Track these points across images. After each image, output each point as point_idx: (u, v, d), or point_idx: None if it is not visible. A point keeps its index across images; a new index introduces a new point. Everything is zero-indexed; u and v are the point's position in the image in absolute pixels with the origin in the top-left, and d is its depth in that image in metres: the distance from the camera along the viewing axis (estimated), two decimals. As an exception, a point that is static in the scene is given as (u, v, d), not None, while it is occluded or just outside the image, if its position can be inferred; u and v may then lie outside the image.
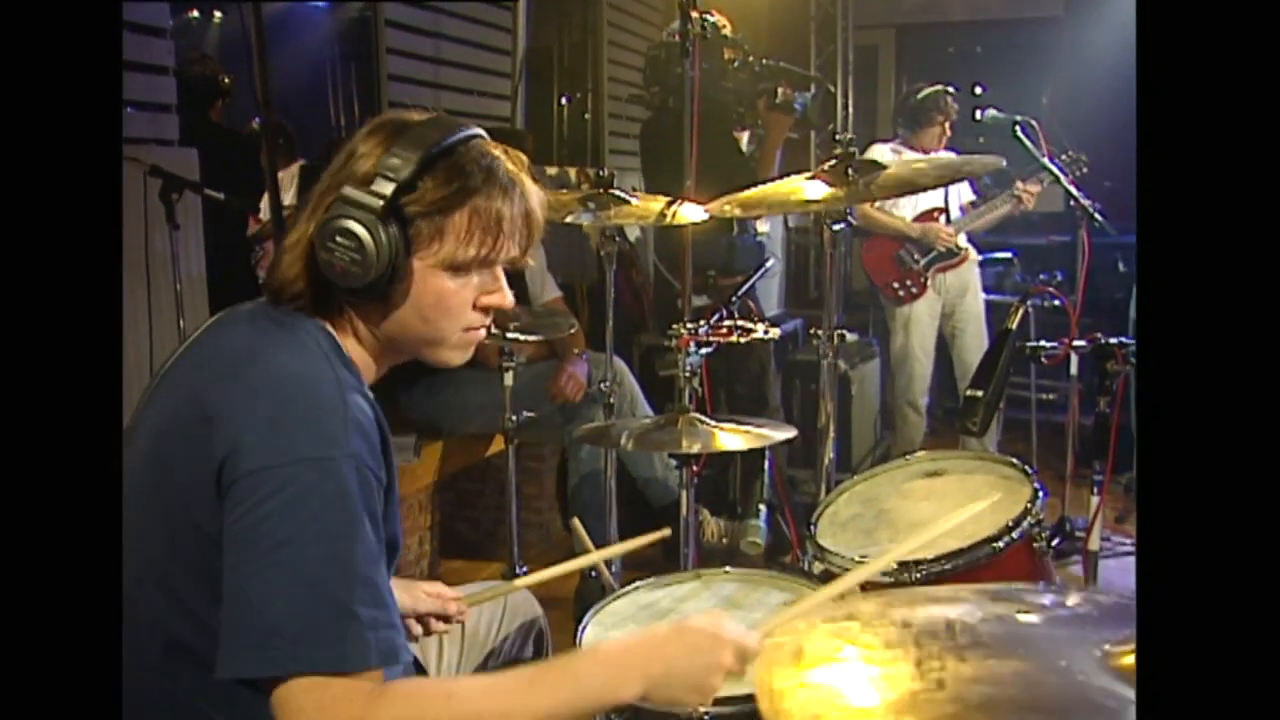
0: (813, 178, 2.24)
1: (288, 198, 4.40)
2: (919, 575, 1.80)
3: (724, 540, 3.55)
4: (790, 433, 2.20)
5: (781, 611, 1.29)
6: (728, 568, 2.01)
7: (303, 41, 5.14)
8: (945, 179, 3.63)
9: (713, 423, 2.22)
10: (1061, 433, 3.93)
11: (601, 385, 2.85)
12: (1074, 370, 3.50)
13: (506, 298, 1.31)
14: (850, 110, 6.36)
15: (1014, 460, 2.09)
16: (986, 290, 4.70)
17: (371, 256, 1.18)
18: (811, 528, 2.06)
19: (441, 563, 3.56)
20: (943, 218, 4.34)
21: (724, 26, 3.83)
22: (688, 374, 2.33)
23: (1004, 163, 2.77)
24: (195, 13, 5.41)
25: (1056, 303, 3.75)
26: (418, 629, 1.62)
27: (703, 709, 1.46)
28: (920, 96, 4.29)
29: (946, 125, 4.28)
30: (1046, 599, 1.08)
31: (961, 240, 4.34)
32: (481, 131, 1.29)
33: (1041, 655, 0.92)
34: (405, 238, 1.21)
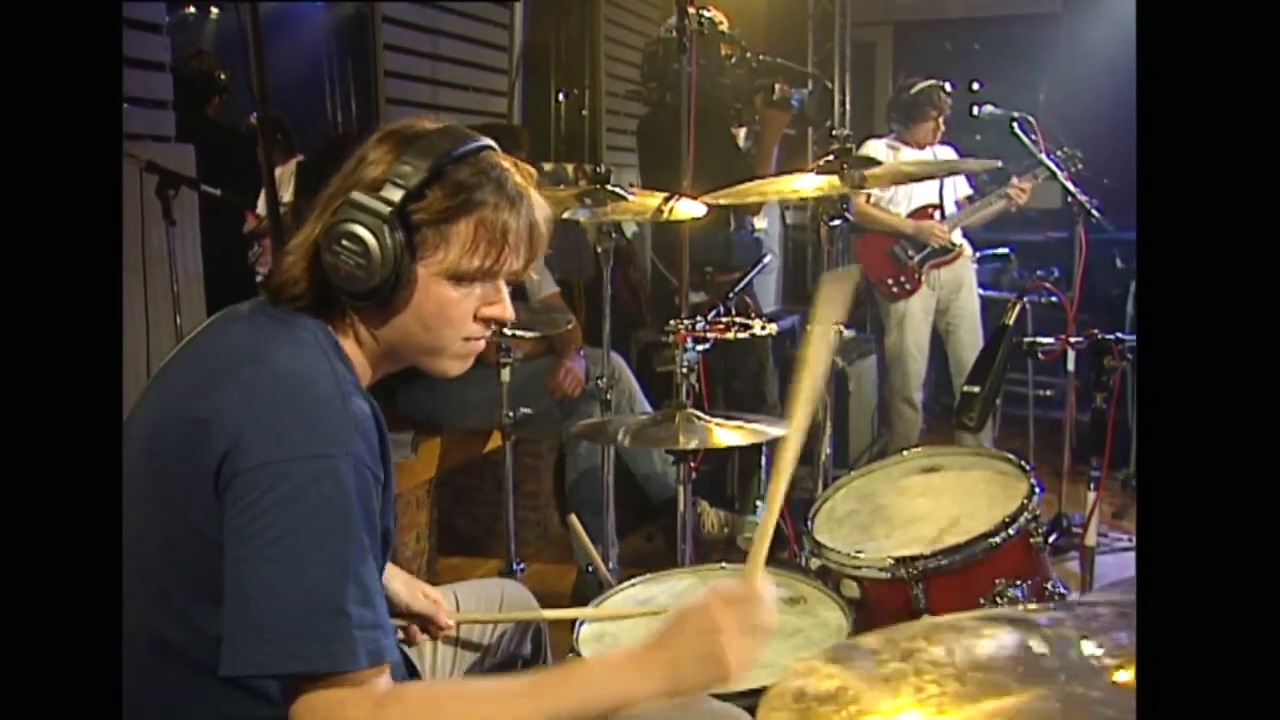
0: (808, 172, 2.25)
1: (285, 194, 4.40)
2: (916, 571, 1.81)
3: (725, 530, 3.55)
4: (787, 428, 2.19)
5: (751, 556, 1.25)
6: (724, 563, 2.02)
7: (299, 37, 5.12)
8: (940, 172, 3.64)
9: (710, 419, 2.22)
10: (1058, 429, 3.94)
11: (599, 381, 2.85)
12: (1071, 366, 3.51)
13: (507, 310, 1.32)
14: (848, 107, 6.36)
15: (1010, 456, 2.09)
16: (984, 286, 4.70)
17: (376, 262, 1.18)
18: (808, 523, 2.07)
19: (439, 559, 3.56)
20: (937, 214, 4.34)
21: (721, 22, 3.83)
22: (685, 370, 2.33)
23: (999, 164, 2.78)
24: (191, 9, 5.39)
25: (1054, 299, 3.75)
26: (400, 633, 1.62)
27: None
28: (914, 91, 4.29)
29: (940, 120, 4.28)
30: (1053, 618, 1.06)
31: (956, 236, 4.34)
32: (492, 143, 1.30)
33: (1040, 678, 0.91)
34: (410, 245, 1.21)
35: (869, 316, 5.11)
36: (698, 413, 2.24)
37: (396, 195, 1.19)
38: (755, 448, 3.22)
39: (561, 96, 5.67)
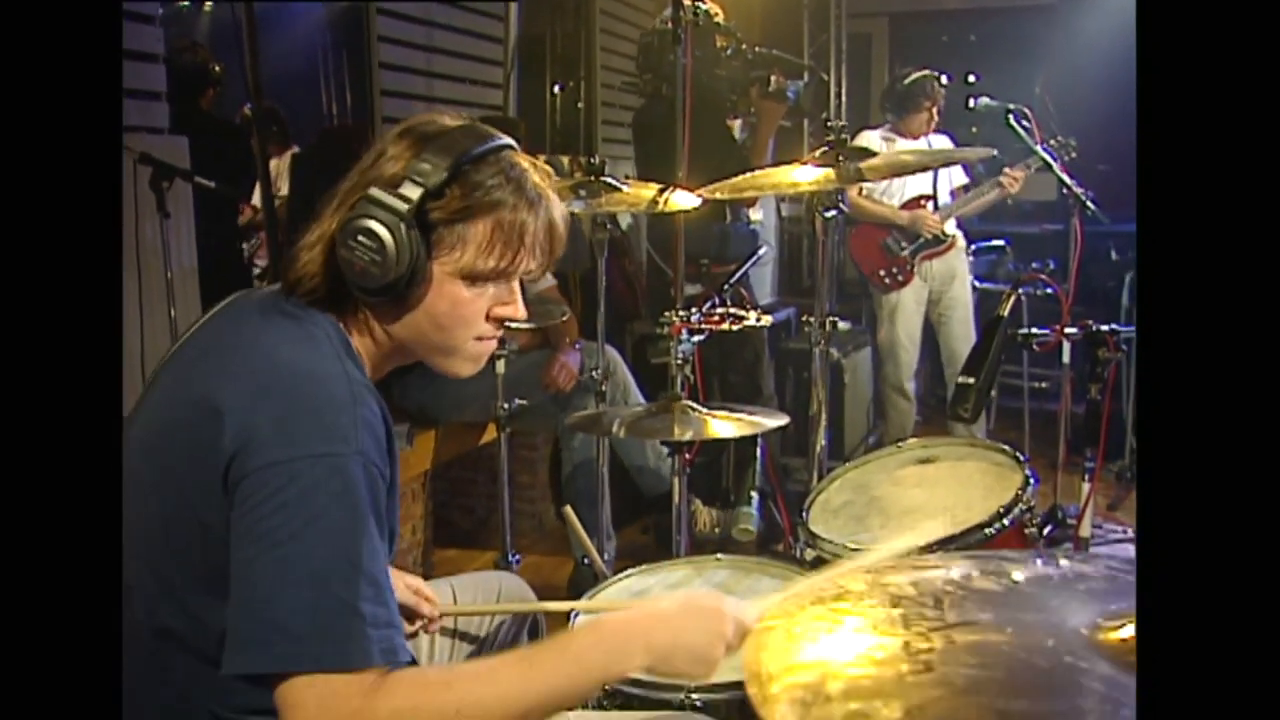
0: (804, 164, 2.24)
1: (281, 187, 4.40)
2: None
3: (716, 530, 3.56)
4: (782, 420, 2.20)
5: (776, 594, 1.28)
6: (719, 555, 2.02)
7: (294, 29, 5.11)
8: (934, 163, 3.64)
9: (705, 410, 2.22)
10: (1054, 421, 3.94)
11: (594, 373, 2.85)
12: (1066, 358, 3.50)
13: (520, 310, 1.32)
14: (843, 98, 6.34)
15: (1005, 447, 2.09)
16: (979, 279, 4.71)
17: (392, 258, 1.18)
18: (804, 515, 2.07)
19: (435, 551, 3.56)
20: (930, 205, 4.34)
21: (717, 14, 3.82)
22: (680, 362, 2.32)
23: (994, 153, 2.78)
24: (185, 1, 5.38)
25: (1049, 291, 3.76)
26: None
27: (695, 691, 1.48)
28: (907, 82, 4.28)
29: (934, 110, 4.28)
30: (1035, 569, 1.08)
31: (949, 227, 4.34)
32: (512, 142, 1.29)
33: (1029, 634, 0.93)
34: (427, 243, 1.21)
35: (864, 309, 5.12)
36: (693, 404, 2.24)
37: (415, 193, 1.19)
38: (750, 439, 3.22)
39: (557, 89, 5.66)
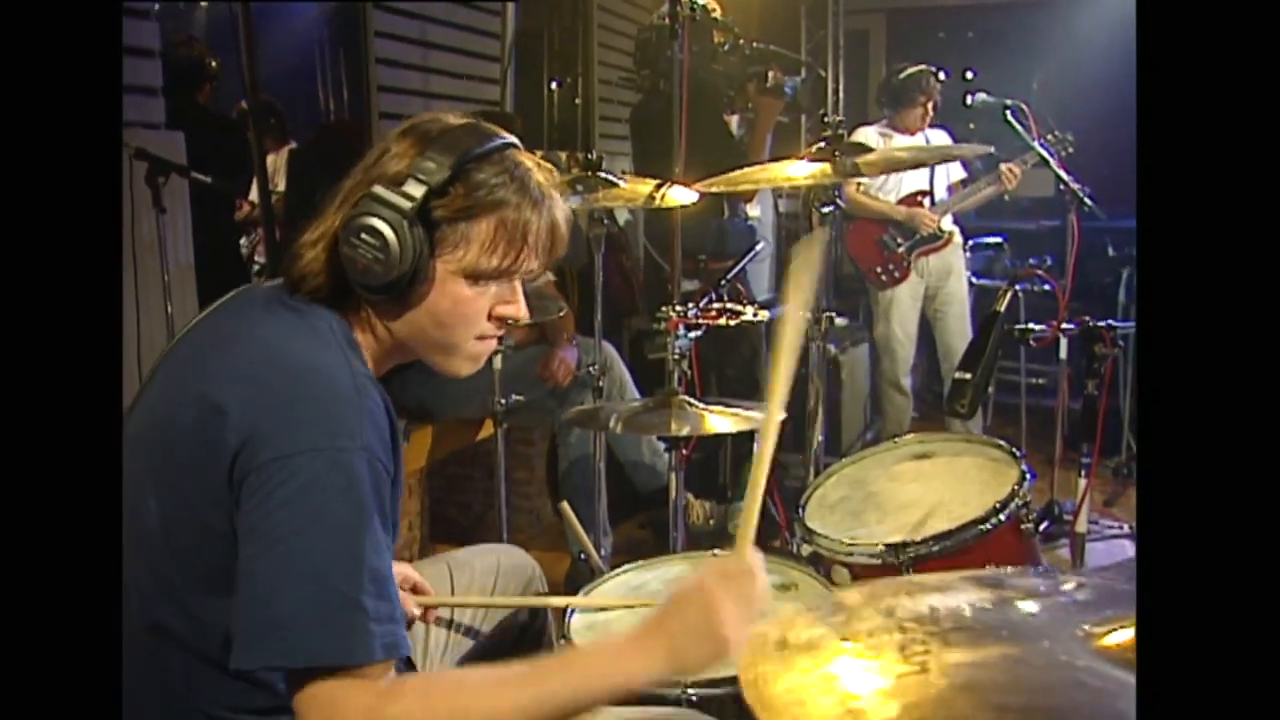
0: (800, 159, 2.25)
1: (278, 183, 4.39)
2: (907, 557, 1.81)
3: (710, 522, 3.56)
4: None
5: (742, 521, 1.25)
6: (716, 550, 2.02)
7: (290, 25, 5.10)
8: (931, 159, 3.64)
9: (702, 405, 2.22)
10: (1051, 417, 3.95)
11: (590, 369, 2.85)
12: (1063, 354, 3.51)
13: (522, 309, 1.31)
14: (841, 94, 6.35)
15: (1001, 443, 2.09)
16: (976, 275, 4.71)
17: (394, 256, 1.18)
18: (800, 510, 2.07)
19: (432, 547, 3.56)
20: (926, 201, 4.34)
21: (714, 9, 3.83)
22: (676, 357, 2.32)
23: (991, 149, 2.78)
24: (182, -5, 5.37)
25: (1046, 287, 3.76)
26: None
27: (691, 687, 1.47)
28: (903, 76, 4.28)
29: (929, 105, 4.27)
30: (1031, 582, 1.09)
31: (946, 223, 4.34)
32: (516, 140, 1.29)
33: (1025, 638, 0.93)
34: (430, 241, 1.21)
35: (861, 305, 5.11)
36: (690, 400, 2.24)
37: (418, 191, 1.19)
38: (747, 435, 3.22)
39: (554, 84, 5.65)
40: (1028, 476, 1.91)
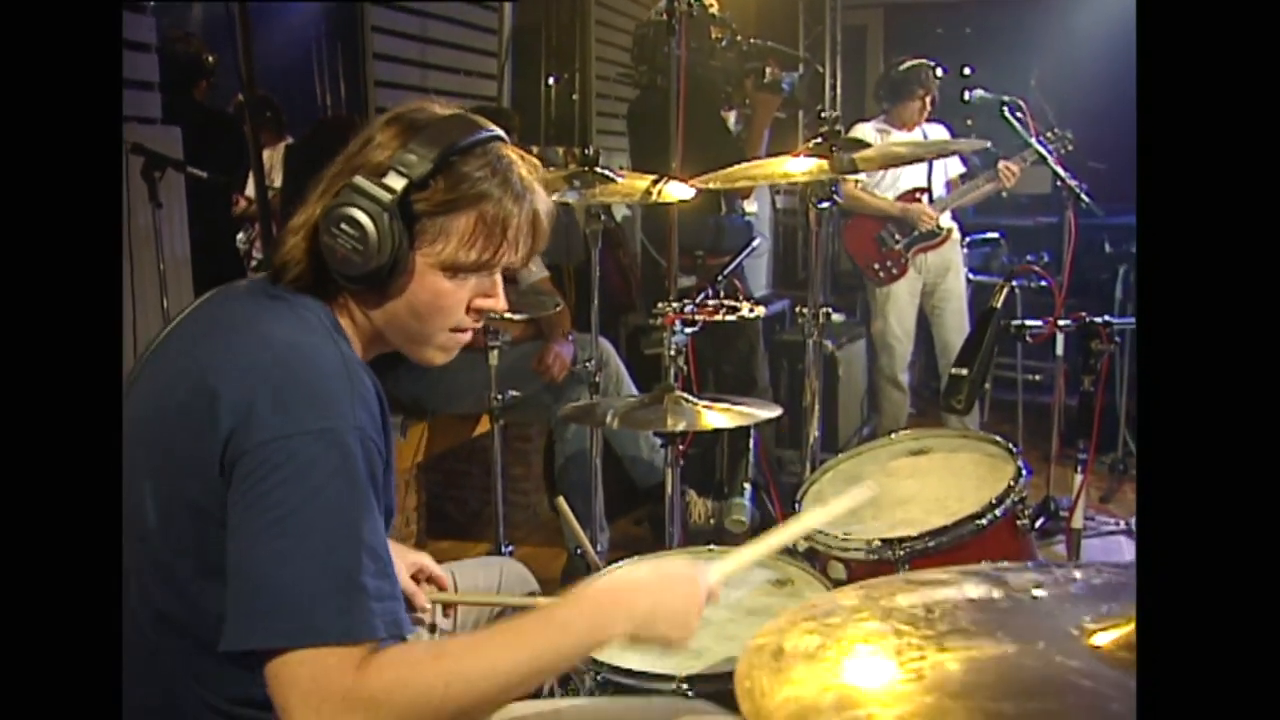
0: (797, 155, 2.24)
1: (275, 178, 4.38)
2: (903, 552, 1.81)
3: (710, 521, 3.56)
4: (775, 411, 2.20)
5: (732, 557, 1.36)
6: (712, 546, 2.02)
7: (288, 20, 5.09)
8: (928, 154, 3.64)
9: (698, 401, 2.22)
10: (1047, 413, 3.95)
11: (587, 364, 2.85)
12: (1060, 350, 3.51)
13: (501, 302, 1.32)
14: (838, 90, 6.35)
15: (998, 439, 2.10)
16: (973, 271, 4.71)
17: (373, 247, 1.18)
18: (796, 506, 2.07)
19: (429, 543, 3.57)
20: (925, 197, 4.33)
21: (711, 5, 3.82)
22: (673, 353, 2.32)
23: (988, 144, 2.78)
24: (178, -10, 5.35)
25: (1043, 283, 3.76)
26: None
27: (685, 681, 1.48)
28: (902, 69, 4.27)
29: (927, 99, 4.26)
30: (1028, 578, 1.08)
31: (945, 220, 4.34)
32: (501, 133, 1.29)
33: (1020, 638, 0.92)
34: (410, 233, 1.21)
35: (858, 301, 5.12)
36: (686, 395, 2.24)
37: (399, 183, 1.19)
38: (744, 431, 3.22)
39: (552, 80, 5.64)
40: (1024, 472, 1.91)
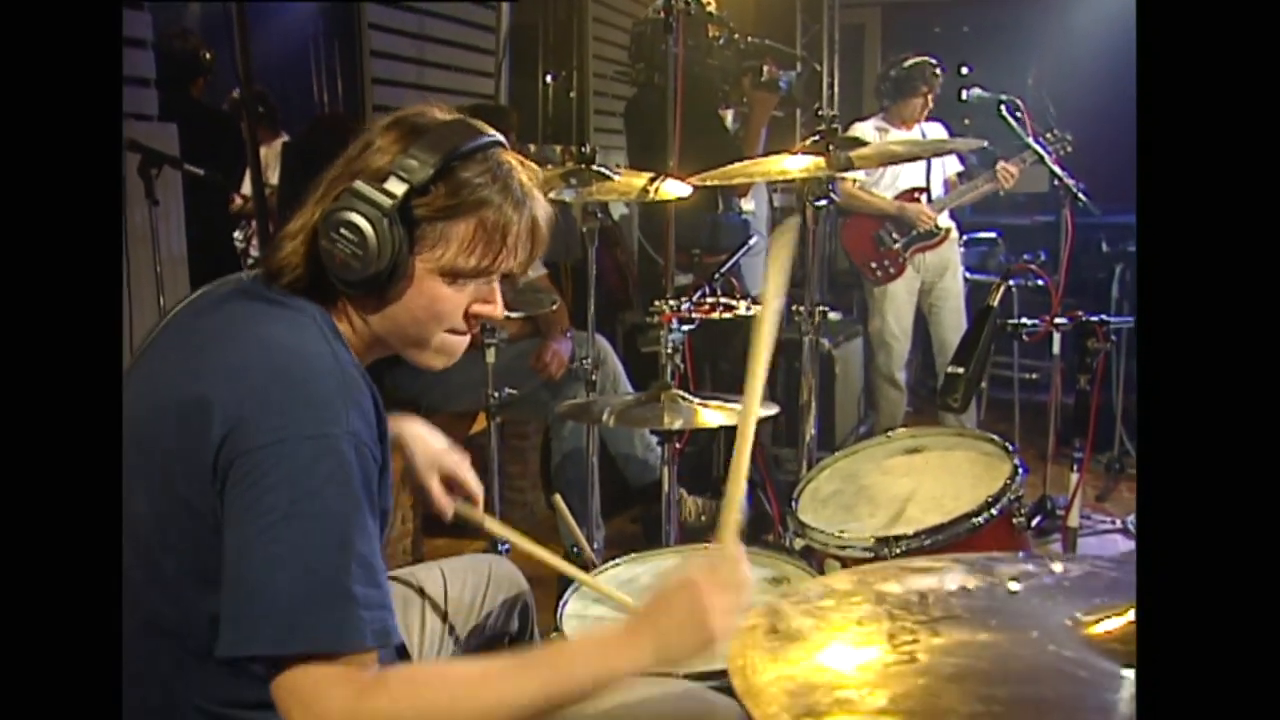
0: (794, 152, 2.24)
1: (271, 176, 4.38)
2: (899, 551, 1.81)
3: (703, 517, 3.56)
4: (771, 409, 2.20)
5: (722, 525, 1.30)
6: (708, 544, 2.02)
7: (285, 18, 5.08)
8: (925, 153, 3.64)
9: (695, 399, 2.22)
10: (1044, 412, 3.96)
11: (584, 362, 2.85)
12: (1056, 349, 3.52)
13: (499, 310, 1.32)
14: (836, 89, 6.35)
15: (994, 437, 2.10)
16: (970, 270, 4.71)
17: (373, 253, 1.18)
18: (792, 504, 2.07)
19: (425, 540, 3.56)
20: (923, 197, 4.33)
21: (709, 3, 3.82)
22: (670, 351, 2.32)
23: (985, 143, 2.78)
24: (175, -13, 5.35)
25: (1040, 282, 3.76)
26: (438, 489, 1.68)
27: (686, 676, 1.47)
28: (906, 66, 4.26)
29: (929, 97, 4.26)
30: (1020, 569, 1.09)
31: (943, 220, 4.34)
32: (501, 138, 1.29)
33: (1014, 627, 0.93)
34: (410, 239, 1.21)
35: (855, 299, 5.12)
36: (682, 393, 2.24)
37: (400, 189, 1.19)
38: (740, 429, 3.22)
39: (549, 78, 5.64)
40: (1020, 471, 1.91)
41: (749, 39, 4.08)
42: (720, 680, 1.46)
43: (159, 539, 1.16)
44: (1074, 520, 2.24)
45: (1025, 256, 4.62)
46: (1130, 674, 0.82)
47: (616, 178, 2.47)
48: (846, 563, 1.87)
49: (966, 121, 5.47)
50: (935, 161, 4.35)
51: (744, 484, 1.28)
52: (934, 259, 4.38)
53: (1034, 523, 2.05)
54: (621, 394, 3.22)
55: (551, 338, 3.27)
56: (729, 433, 3.43)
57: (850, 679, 0.87)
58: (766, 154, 2.76)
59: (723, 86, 4.06)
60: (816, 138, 2.20)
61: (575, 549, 2.79)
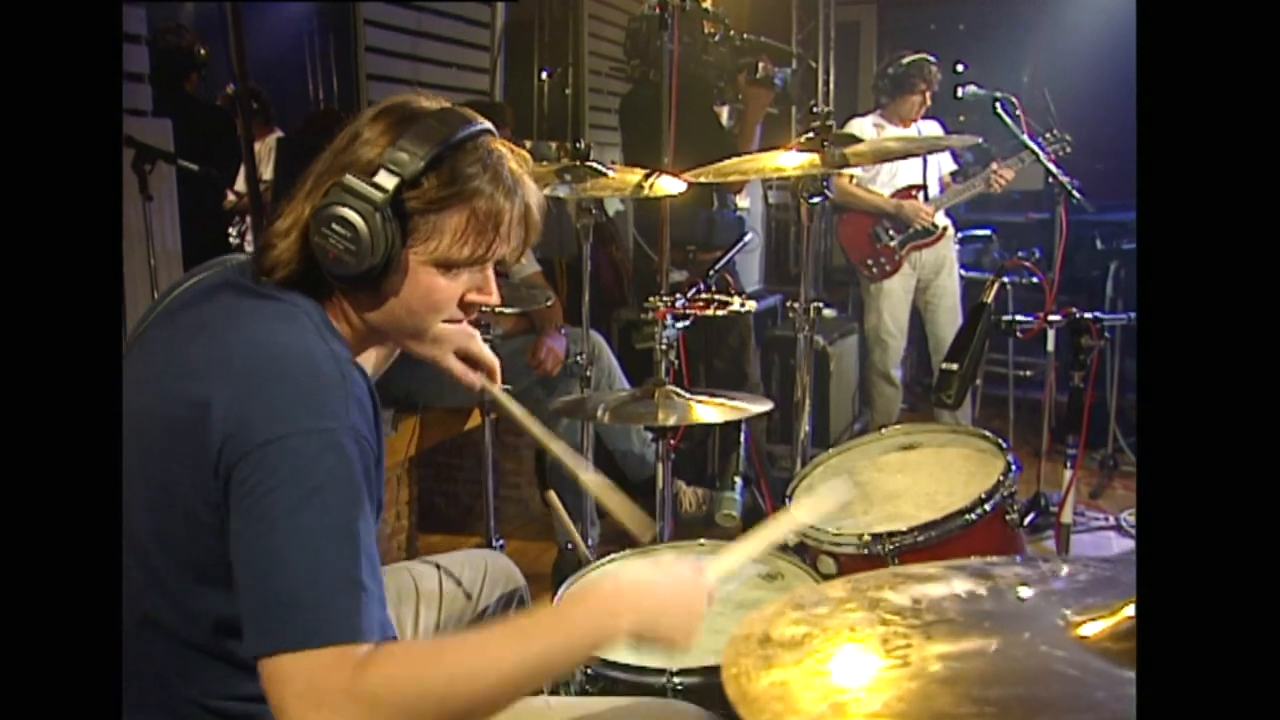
0: (789, 149, 2.24)
1: (265, 171, 4.37)
2: (892, 547, 1.82)
3: (702, 508, 3.56)
4: (766, 405, 2.20)
5: (727, 556, 1.34)
6: (703, 540, 2.02)
7: (280, 14, 5.08)
8: (920, 150, 3.64)
9: (689, 395, 2.22)
10: (1039, 409, 3.96)
11: (579, 358, 2.85)
12: (1051, 346, 3.52)
13: (494, 296, 1.32)
14: (831, 86, 6.35)
15: (987, 434, 2.10)
16: (965, 267, 4.71)
17: (366, 247, 1.17)
18: (786, 500, 2.07)
19: (420, 537, 3.56)
20: (920, 195, 4.33)
21: (705, 0, 3.82)
22: (665, 347, 2.33)
23: (980, 140, 2.78)
24: (170, -18, 5.34)
25: (1034, 279, 3.77)
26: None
27: (677, 675, 1.48)
28: (905, 63, 4.26)
29: (927, 94, 4.26)
30: (1015, 571, 1.09)
31: (939, 217, 4.34)
32: (490, 126, 1.28)
33: (1006, 629, 0.93)
34: (402, 232, 1.20)
35: (850, 296, 5.12)
36: (677, 389, 2.24)
37: (391, 183, 1.18)
38: (734, 425, 3.23)
39: (545, 74, 5.64)
40: (1013, 467, 1.91)
41: (745, 36, 4.08)
42: (710, 678, 1.47)
43: (156, 536, 1.16)
44: (1067, 517, 2.25)
45: (1020, 253, 4.63)
46: (1120, 673, 0.82)
47: (611, 174, 2.46)
48: (840, 559, 1.87)
49: (962, 119, 5.48)
50: (931, 159, 4.35)
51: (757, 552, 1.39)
52: (930, 256, 4.38)
53: (1028, 519, 2.06)
54: (616, 390, 3.22)
55: (546, 334, 3.27)
56: (723, 429, 3.45)
57: (844, 685, 0.87)
58: (762, 151, 2.76)
59: (718, 83, 4.06)
60: (811, 134, 2.20)
61: (569, 545, 2.80)
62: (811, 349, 2.48)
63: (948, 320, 4.40)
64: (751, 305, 2.52)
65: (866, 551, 1.84)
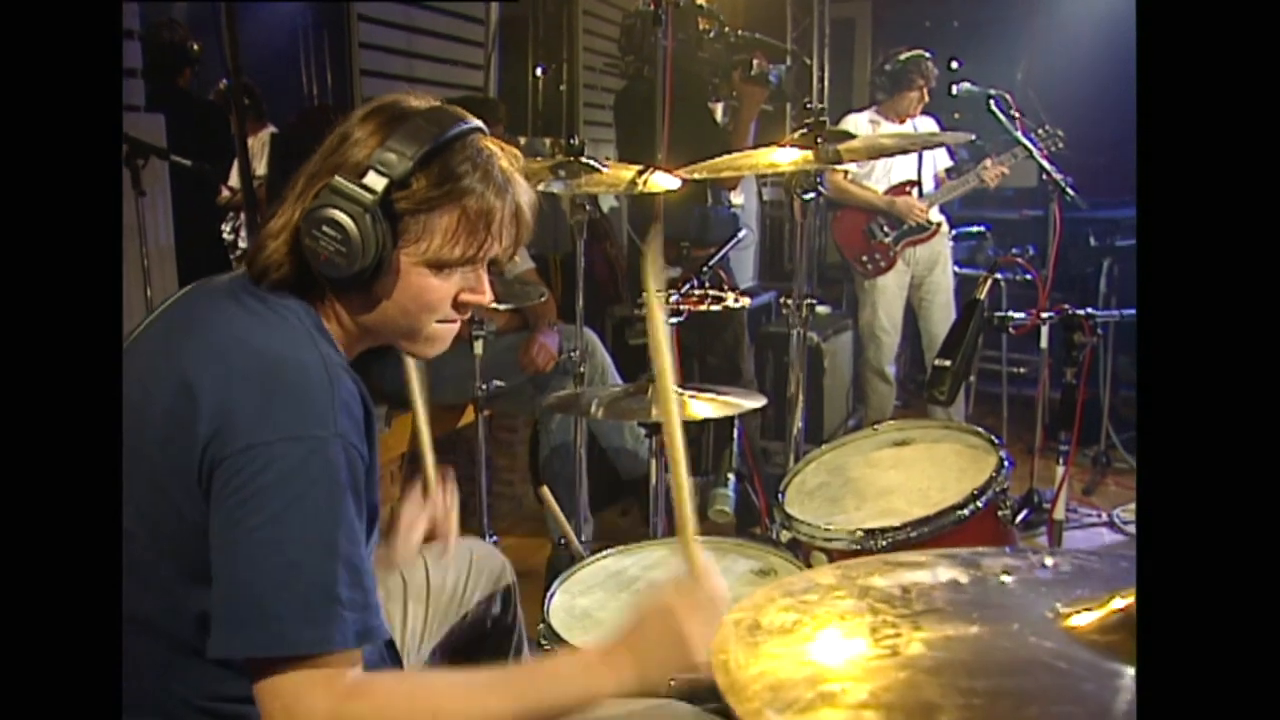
0: (782, 145, 2.24)
1: (259, 167, 4.36)
2: (885, 543, 1.82)
3: (695, 497, 3.56)
4: (759, 401, 2.21)
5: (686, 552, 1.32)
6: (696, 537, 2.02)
7: (273, 8, 5.07)
8: (914, 146, 3.64)
9: (683, 391, 2.22)
10: (1032, 406, 3.97)
11: (572, 355, 2.85)
12: (1044, 343, 3.53)
13: (487, 295, 1.31)
14: (826, 83, 6.35)
15: (980, 430, 2.11)
16: (959, 264, 4.72)
17: (357, 249, 1.17)
18: (780, 496, 2.08)
19: (413, 533, 3.56)
20: (915, 191, 4.34)
21: (699, -3, 3.82)
22: (658, 343, 2.32)
23: (974, 137, 2.79)
24: (164, -24, 5.32)
25: (1028, 276, 3.78)
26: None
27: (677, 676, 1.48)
28: (902, 59, 4.26)
29: (924, 91, 4.26)
30: (1004, 561, 1.09)
31: (934, 214, 4.34)
32: (480, 124, 1.28)
33: (995, 619, 0.93)
34: (393, 233, 1.20)
35: (844, 293, 5.12)
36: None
37: (380, 183, 1.18)
38: (728, 421, 3.23)
39: (539, 70, 5.63)
40: (1005, 464, 1.92)
41: (739, 33, 4.08)
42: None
43: (147, 537, 1.16)
44: (1060, 513, 2.26)
45: (1014, 250, 4.64)
46: (1109, 665, 0.82)
47: (605, 170, 2.47)
48: (833, 555, 1.88)
49: (957, 116, 5.48)
50: (926, 156, 4.35)
51: (688, 499, 1.35)
52: (924, 253, 4.38)
53: (1020, 516, 2.07)
54: (610, 386, 3.22)
55: (540, 330, 3.27)
56: (717, 425, 3.45)
57: (832, 673, 0.88)
58: (756, 147, 2.77)
59: (712, 80, 4.06)
60: (805, 131, 2.20)
61: (563, 542, 2.80)
62: (805, 345, 2.49)
63: (942, 317, 4.40)
64: (745, 301, 2.53)
65: (859, 547, 1.84)
